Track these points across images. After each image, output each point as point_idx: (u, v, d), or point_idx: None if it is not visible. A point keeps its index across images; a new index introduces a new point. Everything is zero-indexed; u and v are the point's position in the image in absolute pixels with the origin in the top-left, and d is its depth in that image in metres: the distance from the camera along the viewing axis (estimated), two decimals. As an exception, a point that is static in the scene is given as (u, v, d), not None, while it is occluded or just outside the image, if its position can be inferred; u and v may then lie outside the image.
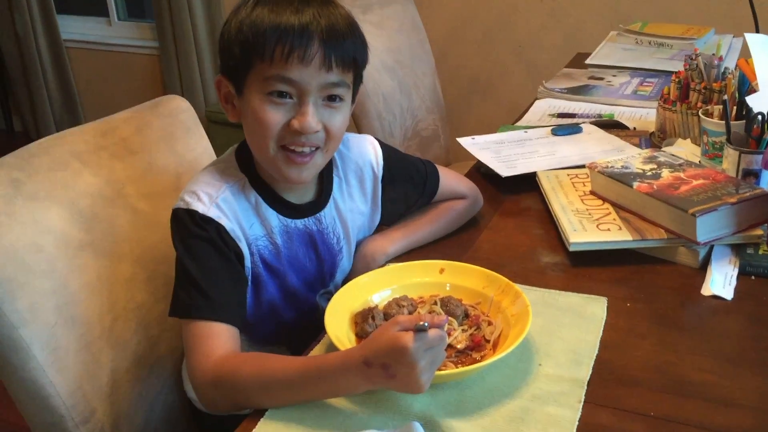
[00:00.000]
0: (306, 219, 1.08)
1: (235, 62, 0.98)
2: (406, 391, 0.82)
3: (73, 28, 3.94)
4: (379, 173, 1.15)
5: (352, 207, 1.14)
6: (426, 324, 0.77)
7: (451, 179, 1.25)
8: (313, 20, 0.94)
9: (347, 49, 0.97)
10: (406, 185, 1.19)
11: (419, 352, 0.77)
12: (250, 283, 1.04)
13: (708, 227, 1.09)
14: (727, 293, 1.05)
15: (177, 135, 1.26)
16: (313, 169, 1.03)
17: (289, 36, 0.93)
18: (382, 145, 1.17)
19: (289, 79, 0.94)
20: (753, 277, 1.08)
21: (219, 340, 0.93)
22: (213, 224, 0.98)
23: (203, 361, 0.91)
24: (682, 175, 1.20)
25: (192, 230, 0.98)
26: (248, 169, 1.05)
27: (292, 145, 0.98)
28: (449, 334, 0.94)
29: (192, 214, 0.98)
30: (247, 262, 1.03)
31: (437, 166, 1.24)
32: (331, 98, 0.98)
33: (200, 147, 1.29)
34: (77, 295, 1.05)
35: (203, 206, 0.99)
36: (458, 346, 0.93)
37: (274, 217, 1.05)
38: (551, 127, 1.60)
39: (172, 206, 1.02)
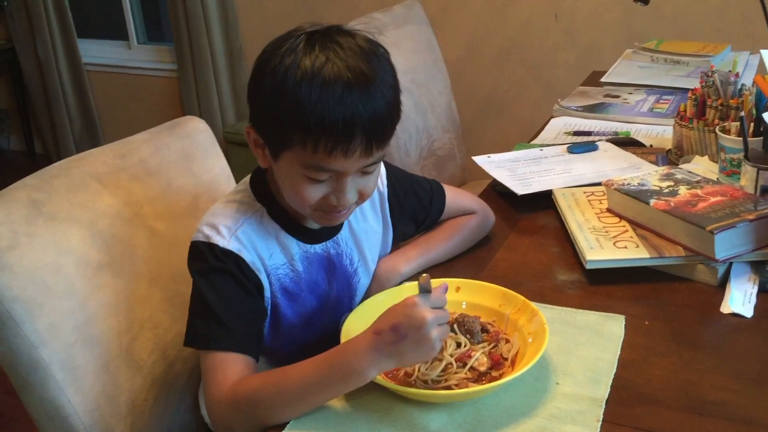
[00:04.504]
0: (325, 243, 1.09)
1: (272, 132, 0.95)
2: (418, 352, 0.85)
3: (94, 51, 4.00)
4: (384, 191, 1.15)
5: (366, 227, 1.14)
6: (428, 279, 0.86)
7: (457, 195, 1.26)
8: (356, 113, 0.90)
9: (387, 131, 0.96)
10: (412, 201, 1.19)
11: (426, 306, 0.84)
12: (269, 312, 1.05)
13: (726, 244, 1.08)
14: (747, 311, 1.04)
15: (194, 156, 1.27)
16: (349, 214, 1.05)
17: (333, 133, 0.90)
18: (386, 164, 1.17)
19: (329, 169, 0.94)
20: (773, 295, 1.07)
21: (236, 370, 0.94)
22: (233, 257, 0.99)
23: (219, 390, 0.92)
24: (699, 192, 1.20)
25: (212, 263, 0.98)
26: (265, 198, 1.05)
27: (327, 208, 0.99)
28: (470, 356, 0.93)
29: (212, 247, 0.99)
30: (267, 293, 1.03)
31: (443, 184, 1.25)
32: (367, 168, 0.98)
33: (218, 167, 1.30)
34: (96, 314, 1.06)
35: (223, 240, 0.99)
36: (481, 369, 0.92)
37: (294, 245, 1.05)
38: (567, 145, 1.60)
39: (189, 226, 1.03)
